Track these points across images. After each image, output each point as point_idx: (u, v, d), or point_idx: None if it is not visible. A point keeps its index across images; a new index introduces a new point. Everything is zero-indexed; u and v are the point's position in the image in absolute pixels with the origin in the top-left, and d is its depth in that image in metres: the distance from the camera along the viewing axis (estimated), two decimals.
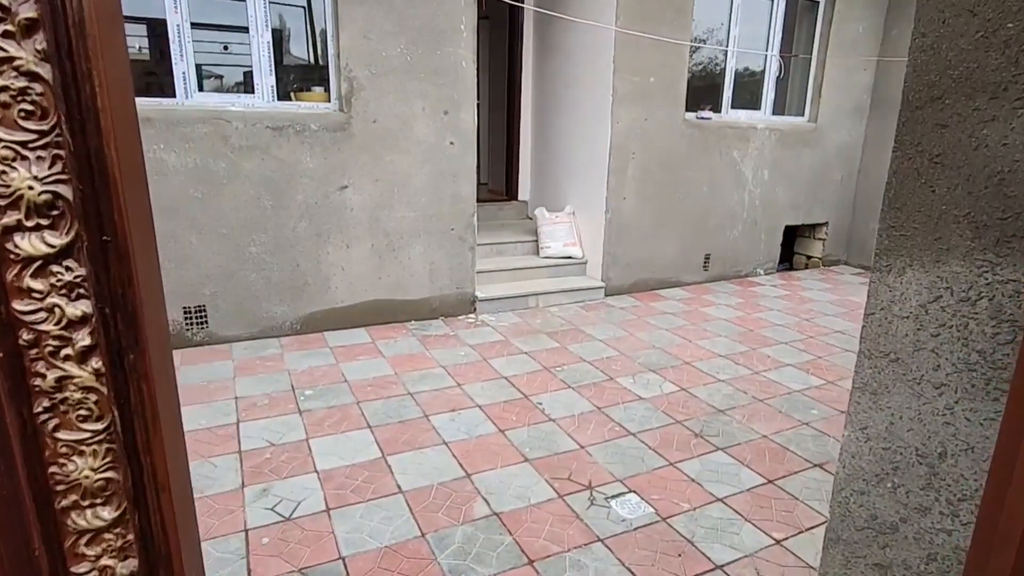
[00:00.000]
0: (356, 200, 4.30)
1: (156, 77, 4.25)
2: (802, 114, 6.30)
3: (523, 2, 5.93)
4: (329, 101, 4.22)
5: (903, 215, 0.88)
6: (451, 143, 4.52)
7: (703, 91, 5.74)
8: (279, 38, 4.59)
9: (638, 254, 5.56)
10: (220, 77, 4.65)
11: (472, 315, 4.90)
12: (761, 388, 3.66)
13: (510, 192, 6.67)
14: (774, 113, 6.13)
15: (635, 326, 4.74)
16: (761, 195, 6.10)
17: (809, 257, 6.87)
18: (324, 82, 4.26)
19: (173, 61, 3.75)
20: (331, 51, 4.13)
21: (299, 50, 4.91)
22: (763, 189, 6.09)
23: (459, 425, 3.13)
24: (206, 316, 4.06)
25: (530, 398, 3.47)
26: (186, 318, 4.01)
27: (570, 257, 5.57)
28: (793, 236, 6.86)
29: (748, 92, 5.99)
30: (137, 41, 3.92)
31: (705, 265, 6.00)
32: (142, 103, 3.71)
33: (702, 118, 5.63)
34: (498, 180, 7.03)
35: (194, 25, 3.78)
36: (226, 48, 4.59)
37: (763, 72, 5.98)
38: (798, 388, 3.68)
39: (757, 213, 6.14)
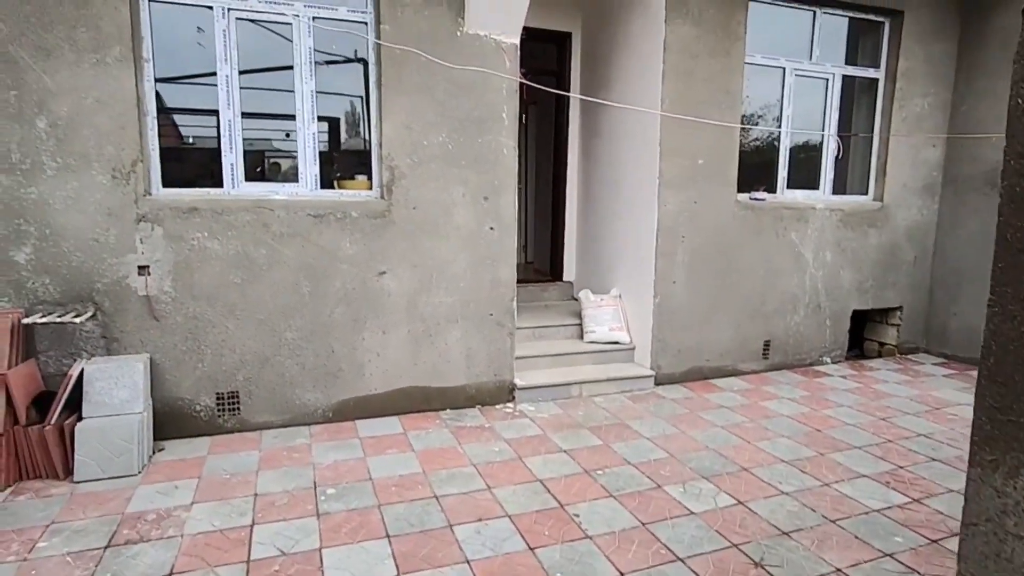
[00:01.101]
0: (394, 286, 4.24)
1: (203, 167, 4.43)
2: (865, 192, 5.95)
3: (568, 91, 5.99)
4: (371, 189, 4.25)
5: (1010, 395, 0.63)
6: (491, 228, 4.44)
7: (757, 171, 5.52)
8: (335, 125, 4.74)
9: (690, 340, 5.23)
10: (277, 164, 4.78)
11: (510, 404, 4.66)
12: (832, 505, 3.21)
13: (555, 272, 6.53)
14: (834, 192, 5.82)
15: (687, 422, 4.36)
16: (824, 278, 5.70)
17: (882, 344, 6.31)
18: (368, 169, 4.31)
19: (223, 153, 3.88)
20: (374, 140, 4.20)
21: (351, 137, 5.06)
22: (826, 271, 5.70)
23: (485, 539, 2.84)
24: (239, 402, 3.99)
25: (566, 508, 3.15)
26: (219, 404, 3.95)
27: (616, 343, 5.29)
28: (863, 321, 6.35)
29: (805, 171, 5.73)
30: (190, 132, 4.11)
31: (765, 352, 5.57)
32: (191, 193, 3.83)
33: (756, 199, 5.38)
34: (543, 259, 6.92)
35: (245, 115, 3.93)
36: (288, 136, 4.77)
37: (820, 149, 5.73)
38: (877, 507, 3.20)
39: (820, 297, 5.72)
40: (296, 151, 4.09)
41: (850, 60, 5.76)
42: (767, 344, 5.58)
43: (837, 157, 5.63)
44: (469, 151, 4.30)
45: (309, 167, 4.09)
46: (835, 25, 5.62)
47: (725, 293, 5.31)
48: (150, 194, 3.73)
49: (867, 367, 5.87)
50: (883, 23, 5.70)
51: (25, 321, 3.39)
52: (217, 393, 3.94)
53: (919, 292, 6.20)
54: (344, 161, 4.73)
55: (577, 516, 3.07)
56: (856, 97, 5.92)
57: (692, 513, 3.12)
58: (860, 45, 5.86)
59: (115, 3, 3.44)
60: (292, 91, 4.00)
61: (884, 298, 6.06)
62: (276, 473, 3.47)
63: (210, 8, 3.74)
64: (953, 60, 5.87)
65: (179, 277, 3.76)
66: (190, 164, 4.28)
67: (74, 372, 3.39)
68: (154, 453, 3.68)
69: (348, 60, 4.32)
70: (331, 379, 4.17)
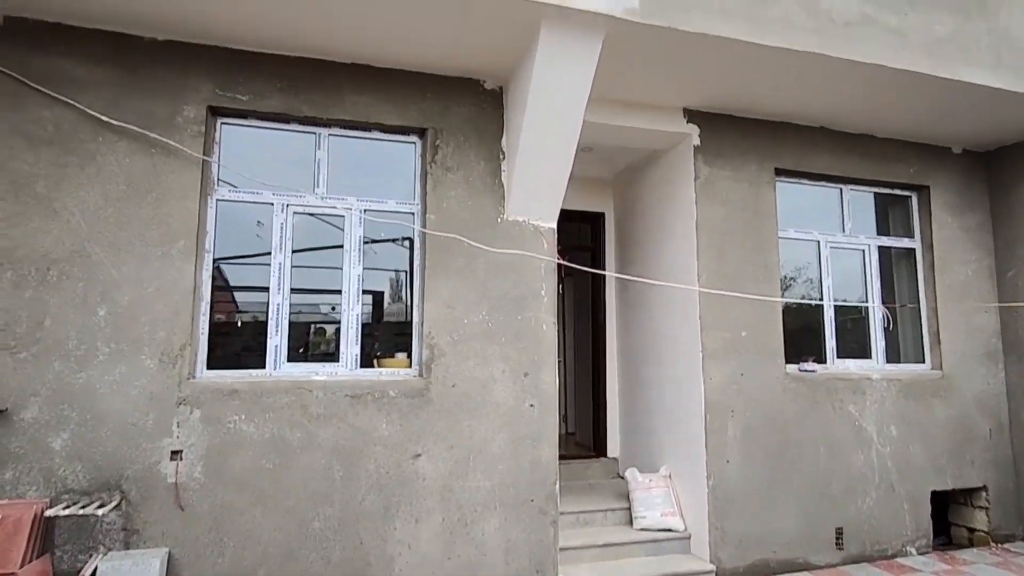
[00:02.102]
0: (429, 469, 4.02)
1: (247, 342, 4.51)
2: (922, 361, 5.67)
3: (603, 266, 6.17)
4: (411, 367, 4.23)
5: None
6: (531, 405, 4.30)
7: (803, 341, 5.37)
8: (379, 299, 4.85)
9: (752, 528, 4.71)
10: (323, 329, 4.80)
11: None
12: None
13: (598, 448, 6.20)
14: (888, 361, 5.57)
15: None
16: (892, 454, 5.24)
17: (972, 530, 5.59)
18: (408, 345, 4.33)
19: (269, 335, 3.97)
20: (415, 319, 4.27)
21: (393, 310, 5.16)
22: (893, 448, 5.25)
23: None
24: None
25: None
26: None
27: (670, 530, 4.80)
28: (945, 504, 5.70)
29: (854, 339, 5.55)
30: (238, 315, 4.26)
31: (838, 542, 4.96)
32: (232, 375, 3.85)
33: (806, 370, 5.16)
34: (585, 432, 6.63)
35: (294, 291, 4.06)
36: (334, 309, 4.91)
37: (867, 317, 5.59)
38: None
39: (891, 476, 5.21)
40: (340, 318, 4.14)
41: (882, 231, 5.84)
42: (839, 532, 4.98)
43: (887, 328, 5.46)
44: (509, 328, 4.31)
45: (351, 347, 4.12)
46: (864, 199, 5.78)
47: (785, 472, 4.88)
48: (194, 377, 3.76)
49: (960, 560, 5.13)
50: (910, 197, 5.85)
51: (48, 513, 3.25)
52: None
53: (1003, 469, 5.61)
54: (385, 335, 4.78)
55: None
56: (895, 264, 5.90)
57: None
58: (891, 216, 5.98)
59: (186, 203, 3.77)
60: (339, 268, 4.16)
61: (964, 477, 5.48)
62: None
63: (271, 204, 4.07)
64: (989, 229, 5.90)
65: (211, 462, 3.65)
66: (235, 340, 4.38)
67: (86, 572, 3.17)
68: None
69: (394, 240, 4.55)
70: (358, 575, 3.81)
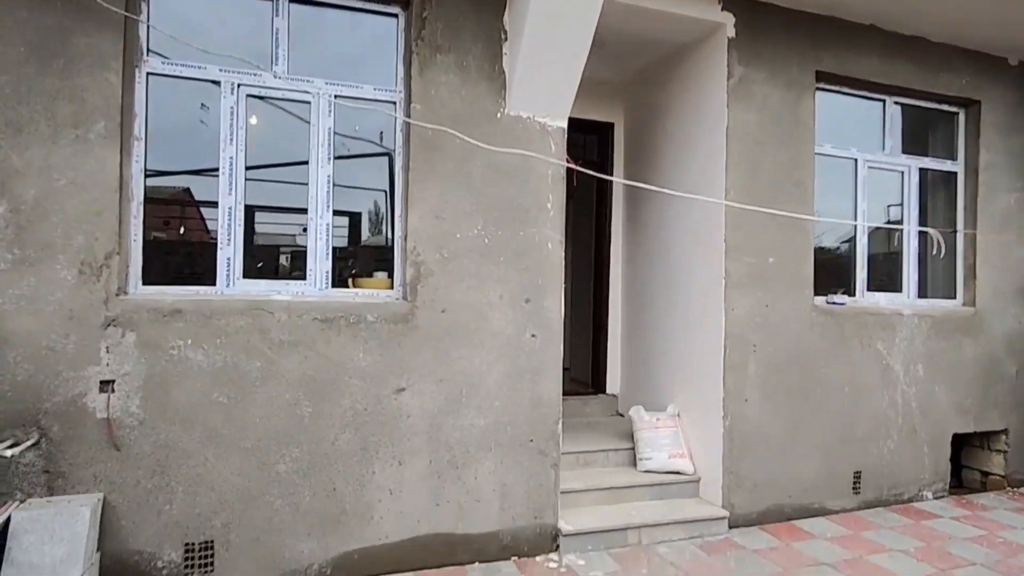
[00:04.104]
0: (415, 405, 3.46)
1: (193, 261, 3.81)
2: (953, 296, 5.20)
3: (611, 187, 5.49)
4: (392, 288, 3.60)
5: None
6: (532, 335, 3.72)
7: (830, 272, 4.83)
8: (356, 220, 4.17)
9: (768, 472, 4.31)
10: (294, 259, 4.15)
11: (554, 556, 3.71)
12: None
13: (596, 384, 5.72)
14: (919, 296, 5.08)
15: None
16: (917, 395, 4.83)
17: (986, 474, 5.29)
18: (389, 266, 3.68)
19: (219, 245, 3.28)
20: (397, 232, 3.60)
21: (373, 235, 4.48)
22: (919, 388, 4.84)
23: None
24: (212, 556, 3.12)
25: None
26: (187, 559, 3.08)
27: (678, 472, 4.38)
28: (959, 446, 5.38)
29: (885, 273, 5.03)
30: (181, 223, 3.54)
31: (855, 486, 4.61)
32: (174, 293, 3.18)
33: (834, 303, 4.65)
34: (582, 368, 6.14)
35: (257, 208, 3.37)
36: (305, 231, 4.20)
37: (899, 249, 5.05)
38: None
39: (915, 418, 4.82)
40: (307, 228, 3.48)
41: (920, 152, 5.21)
42: (857, 476, 4.62)
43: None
44: (508, 245, 3.67)
45: (320, 262, 3.45)
46: (904, 117, 5.12)
47: (807, 414, 4.44)
48: (125, 293, 3.08)
49: (977, 505, 4.84)
50: (957, 114, 5.21)
51: None
52: (186, 544, 3.08)
53: None
54: (363, 259, 4.11)
55: None
56: (931, 192, 5.32)
57: None
58: (930, 137, 5.34)
59: (106, 75, 2.97)
60: (305, 163, 3.45)
61: (987, 420, 5.13)
62: None
63: (217, 84, 3.28)
64: None
65: (151, 395, 3.03)
66: (180, 255, 3.67)
67: None
68: None
69: (373, 155, 3.81)
70: (331, 525, 3.30)
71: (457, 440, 3.55)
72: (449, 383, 3.54)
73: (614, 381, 5.64)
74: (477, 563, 3.58)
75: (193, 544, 3.09)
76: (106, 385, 2.97)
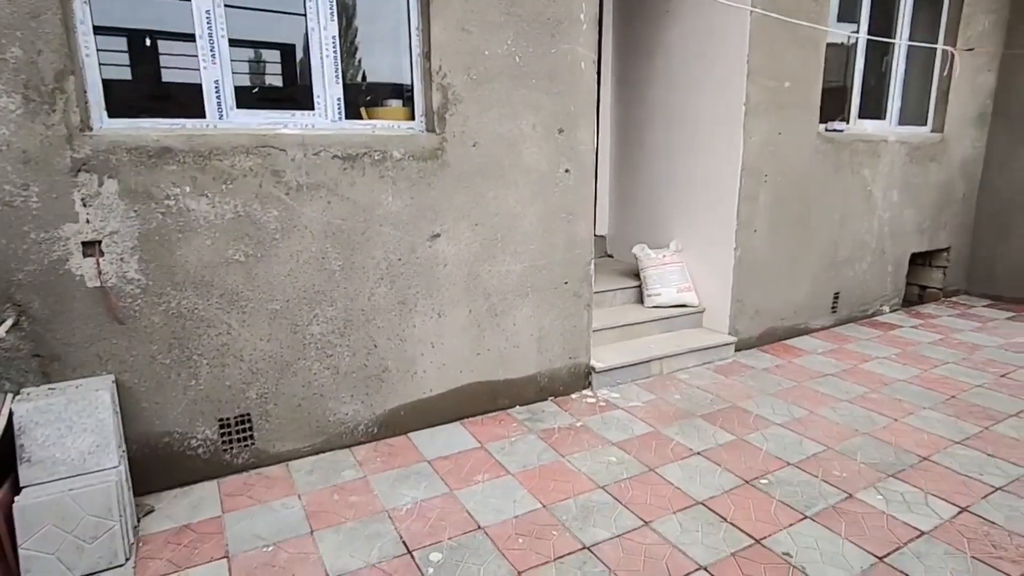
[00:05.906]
0: (451, 252, 3.14)
1: (165, 89, 3.03)
2: (924, 123, 5.37)
3: (601, 11, 4.90)
4: (413, 118, 3.07)
5: None
6: (566, 171, 3.40)
7: (826, 97, 4.74)
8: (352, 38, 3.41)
9: (767, 298, 4.49)
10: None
11: (589, 392, 3.75)
12: None
13: None
14: (899, 123, 5.20)
15: (804, 397, 3.64)
16: (890, 220, 5.12)
17: (923, 288, 5.90)
18: (404, 94, 3.11)
19: (201, 65, 2.56)
20: (416, 50, 2.99)
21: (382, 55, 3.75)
22: (892, 213, 5.12)
23: None
24: (251, 429, 2.81)
25: (764, 543, 2.32)
26: (223, 435, 2.76)
27: (684, 305, 4.47)
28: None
29: (873, 99, 5.04)
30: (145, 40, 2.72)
31: (834, 306, 4.96)
32: (156, 126, 2.51)
33: (833, 130, 4.63)
34: None
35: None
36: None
37: (886, 72, 5.04)
38: None
39: (886, 241, 5.15)
40: (311, 69, 2.82)
41: None
42: (836, 296, 4.96)
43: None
44: (540, 65, 3.19)
45: (329, 88, 2.83)
46: None
47: (805, 242, 4.59)
48: (90, 128, 2.38)
49: (925, 314, 5.42)
50: None
51: None
52: (220, 419, 2.74)
53: (965, 231, 5.80)
54: (373, 88, 3.43)
55: (788, 555, 2.25)
56: (916, 10, 5.23)
57: (923, 532, 2.38)
58: None
59: None
60: None
61: (937, 239, 5.60)
62: (339, 534, 2.39)
63: None
64: None
65: (151, 257, 2.48)
66: (147, 76, 2.88)
67: None
68: (140, 520, 2.47)
69: None
70: (375, 383, 3.06)
71: (495, 288, 3.31)
72: (484, 227, 3.21)
73: (602, 223, 5.50)
74: (518, 406, 3.55)
75: (228, 419, 2.76)
76: (90, 247, 2.38)
